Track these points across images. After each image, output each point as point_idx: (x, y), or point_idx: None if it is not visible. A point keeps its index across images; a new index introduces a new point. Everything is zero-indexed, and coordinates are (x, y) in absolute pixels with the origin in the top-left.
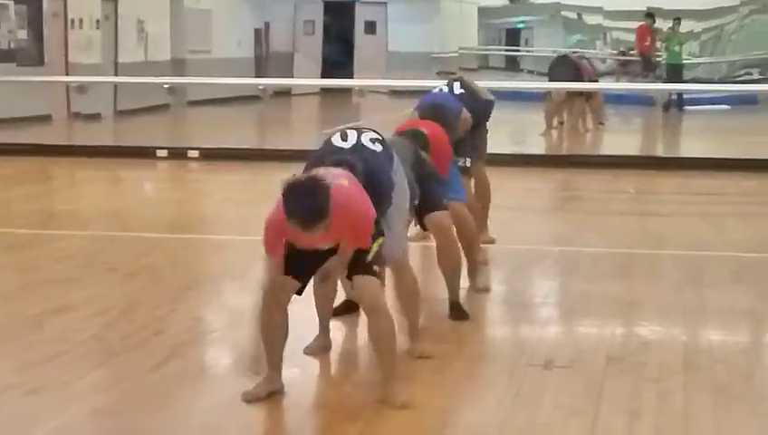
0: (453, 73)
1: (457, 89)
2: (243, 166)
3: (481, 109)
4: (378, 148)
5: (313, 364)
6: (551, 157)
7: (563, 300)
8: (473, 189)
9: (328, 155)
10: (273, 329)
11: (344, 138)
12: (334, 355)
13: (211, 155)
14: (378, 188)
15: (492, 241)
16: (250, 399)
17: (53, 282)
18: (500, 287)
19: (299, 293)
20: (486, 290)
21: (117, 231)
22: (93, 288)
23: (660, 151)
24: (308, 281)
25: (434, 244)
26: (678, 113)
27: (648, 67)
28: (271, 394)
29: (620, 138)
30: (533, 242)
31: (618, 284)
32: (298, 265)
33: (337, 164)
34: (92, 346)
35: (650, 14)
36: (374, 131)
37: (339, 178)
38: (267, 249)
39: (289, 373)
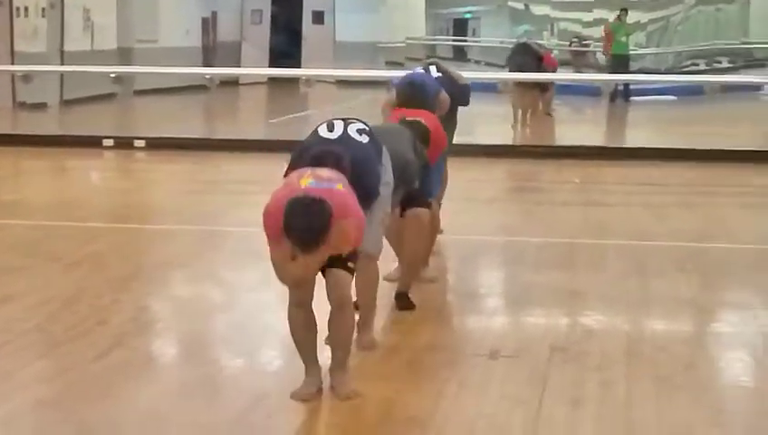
0: (400, 64)
1: (434, 72)
2: (189, 155)
3: (458, 93)
4: (364, 139)
5: (259, 354)
6: (497, 147)
7: (509, 290)
8: None
9: (314, 145)
10: (300, 328)
11: (330, 128)
12: (278, 345)
13: (158, 144)
14: (364, 181)
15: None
16: (305, 398)
17: None
18: (446, 277)
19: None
20: (432, 281)
21: (61, 221)
22: (37, 278)
23: (606, 142)
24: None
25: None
26: (625, 104)
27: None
28: (319, 391)
29: (567, 128)
30: (480, 232)
31: (562, 274)
32: None
33: (322, 156)
34: (35, 337)
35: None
36: (361, 122)
37: (333, 183)
38: (270, 237)
39: (233, 363)
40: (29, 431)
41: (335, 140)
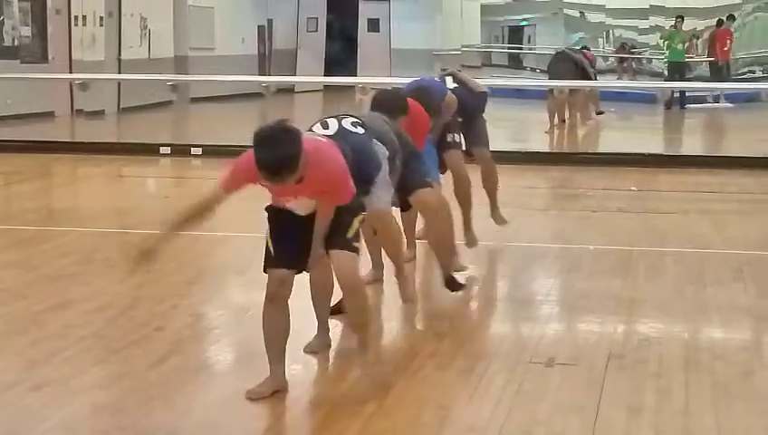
0: (459, 70)
1: (450, 83)
2: None
3: (474, 101)
4: (360, 130)
5: (313, 361)
6: (552, 154)
7: (565, 297)
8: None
9: None
10: (273, 325)
11: (325, 126)
12: (333, 352)
13: (214, 152)
14: (365, 168)
15: (504, 221)
16: (254, 397)
17: (56, 278)
18: (502, 285)
19: (298, 272)
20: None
21: (119, 228)
22: (94, 285)
23: (661, 149)
24: (302, 267)
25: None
26: (681, 111)
27: (720, 75)
28: (275, 392)
29: (622, 135)
30: (535, 240)
31: (619, 281)
32: (287, 256)
33: None
34: (93, 343)
35: (732, 16)
36: (352, 116)
37: (316, 137)
38: (221, 183)
39: (289, 371)
40: None
41: (332, 135)
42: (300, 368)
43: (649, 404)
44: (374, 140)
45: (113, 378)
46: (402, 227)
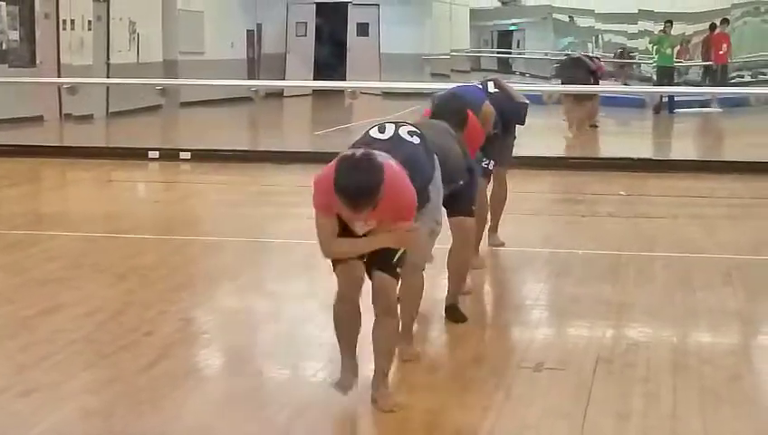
0: (446, 75)
1: (491, 88)
2: (235, 167)
3: (514, 110)
4: (416, 140)
5: (304, 365)
6: (542, 159)
7: (554, 302)
8: (488, 193)
9: (366, 146)
10: (347, 321)
11: (382, 130)
12: (323, 357)
13: (203, 156)
14: (415, 179)
15: (501, 244)
16: (345, 388)
17: (45, 282)
18: (491, 289)
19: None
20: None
21: (108, 232)
22: (83, 289)
23: (650, 154)
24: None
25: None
26: (669, 116)
27: (715, 79)
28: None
29: (611, 139)
30: (525, 244)
31: (608, 286)
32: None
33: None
34: (83, 347)
35: (726, 20)
36: (411, 125)
37: (387, 158)
38: (318, 208)
39: (278, 374)
40: None
41: (386, 140)
42: (288, 373)
43: (637, 409)
44: (434, 155)
45: (103, 383)
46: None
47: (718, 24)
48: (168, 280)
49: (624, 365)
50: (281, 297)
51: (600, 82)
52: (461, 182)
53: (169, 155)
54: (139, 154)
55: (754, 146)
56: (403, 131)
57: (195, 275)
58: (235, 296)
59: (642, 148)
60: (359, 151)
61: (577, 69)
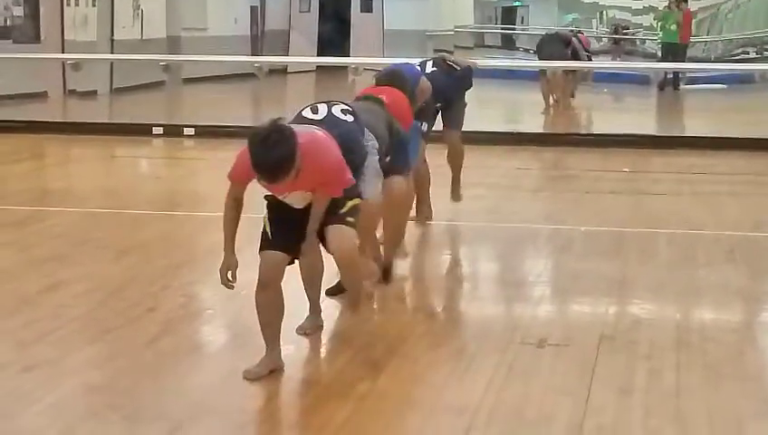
0: (449, 52)
1: (429, 67)
2: (238, 143)
3: (454, 84)
4: (349, 118)
5: (306, 342)
6: (545, 135)
7: (556, 279)
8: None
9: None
10: (268, 307)
11: (315, 111)
12: (327, 334)
13: (206, 132)
14: (352, 157)
15: (460, 198)
16: (251, 377)
17: (49, 259)
18: (494, 265)
19: (290, 263)
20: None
21: (111, 208)
22: (86, 265)
23: (654, 130)
24: (296, 254)
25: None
26: (674, 92)
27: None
28: (272, 372)
29: (615, 116)
30: (527, 220)
31: (611, 262)
32: (284, 240)
33: None
34: (85, 323)
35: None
36: (344, 103)
37: (311, 129)
38: (233, 177)
39: (282, 351)
40: (79, 417)
41: (321, 120)
42: (292, 348)
43: (640, 385)
44: (365, 130)
45: (106, 358)
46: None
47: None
48: (172, 256)
49: (627, 342)
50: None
51: (591, 58)
52: (387, 159)
53: (173, 131)
54: (142, 130)
55: (757, 123)
56: (336, 110)
57: (198, 251)
58: (238, 272)
59: (645, 124)
60: (267, 124)
61: (553, 45)
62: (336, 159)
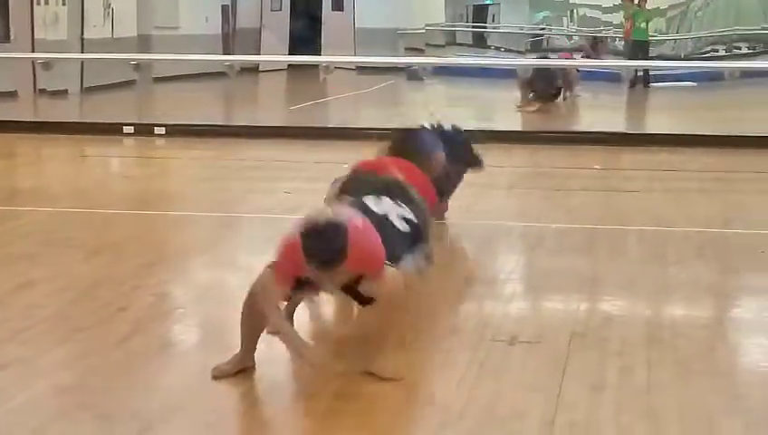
0: (420, 50)
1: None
2: (209, 142)
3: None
4: (405, 228)
5: (278, 341)
6: (516, 133)
7: (528, 276)
8: None
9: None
10: (254, 320)
11: (377, 204)
12: (299, 333)
13: (178, 131)
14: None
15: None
16: (220, 375)
17: (19, 258)
18: (465, 263)
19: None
20: None
21: (82, 208)
22: (56, 265)
23: (625, 127)
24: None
25: None
26: (644, 90)
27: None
28: (242, 371)
29: (586, 113)
30: (498, 218)
31: (582, 259)
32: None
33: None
34: (55, 323)
35: None
36: (408, 208)
37: (353, 218)
38: (276, 277)
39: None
40: (49, 417)
41: (376, 217)
42: (263, 347)
43: (612, 382)
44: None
45: (77, 357)
46: None
47: None
48: (142, 255)
49: (598, 339)
50: (255, 272)
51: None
52: None
53: (144, 130)
54: (113, 129)
55: (727, 121)
56: (395, 215)
57: (168, 250)
58: (208, 271)
59: (616, 122)
60: (322, 218)
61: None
62: (379, 252)
